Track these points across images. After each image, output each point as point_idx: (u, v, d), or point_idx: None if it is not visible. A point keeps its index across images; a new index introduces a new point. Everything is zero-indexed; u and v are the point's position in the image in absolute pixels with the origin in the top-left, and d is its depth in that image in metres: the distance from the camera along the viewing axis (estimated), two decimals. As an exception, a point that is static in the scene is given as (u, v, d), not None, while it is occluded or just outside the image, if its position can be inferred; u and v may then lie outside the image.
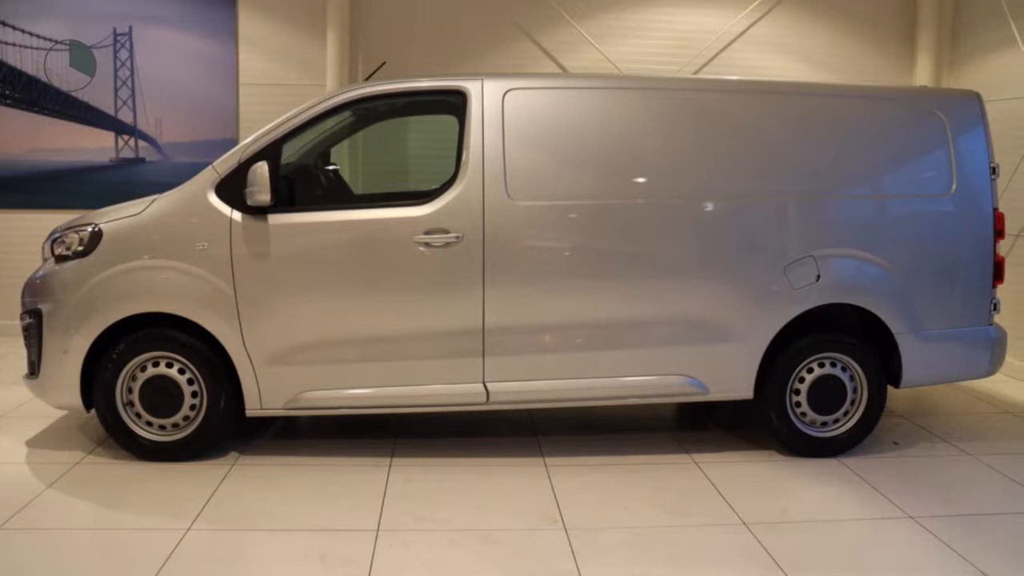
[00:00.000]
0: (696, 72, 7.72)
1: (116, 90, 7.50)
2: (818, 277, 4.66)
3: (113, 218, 4.58)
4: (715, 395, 4.72)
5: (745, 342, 4.66)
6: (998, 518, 4.03)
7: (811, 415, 4.79)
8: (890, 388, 4.89)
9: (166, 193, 4.60)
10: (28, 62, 7.42)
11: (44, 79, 7.42)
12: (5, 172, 7.52)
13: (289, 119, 4.54)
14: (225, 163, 4.52)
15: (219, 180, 4.49)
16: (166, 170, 7.46)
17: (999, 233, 4.86)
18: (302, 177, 4.86)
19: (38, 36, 7.39)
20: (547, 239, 4.55)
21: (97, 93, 7.50)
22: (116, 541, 3.70)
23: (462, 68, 7.44)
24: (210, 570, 3.44)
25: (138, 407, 4.56)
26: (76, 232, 4.59)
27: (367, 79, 5.25)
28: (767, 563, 3.54)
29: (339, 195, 5.41)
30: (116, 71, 7.48)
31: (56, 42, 7.40)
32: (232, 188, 4.45)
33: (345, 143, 6.24)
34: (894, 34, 7.88)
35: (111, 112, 7.53)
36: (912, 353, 4.78)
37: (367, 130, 5.72)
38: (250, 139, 4.54)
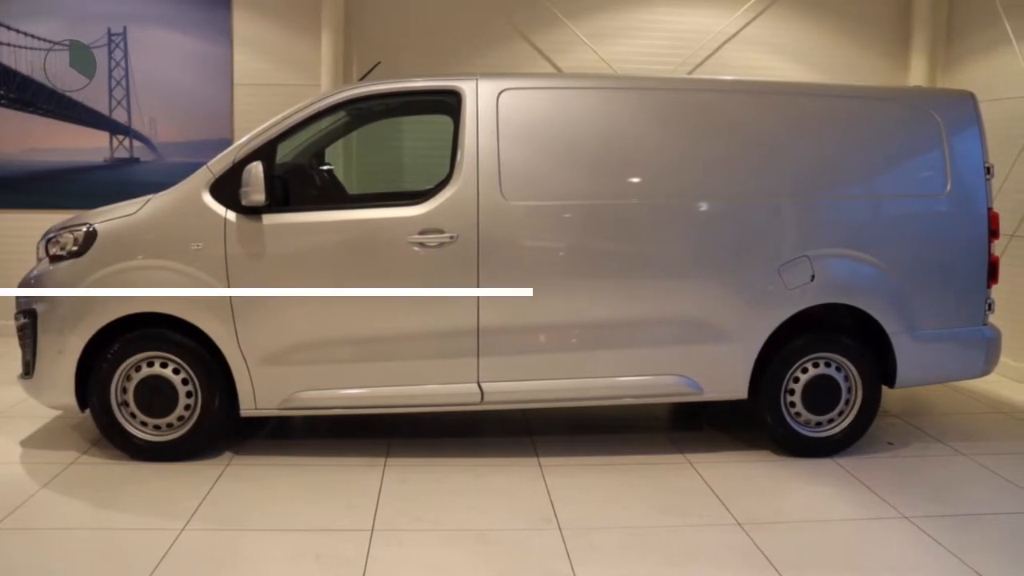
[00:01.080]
0: (690, 72, 7.71)
1: (111, 90, 7.49)
2: (813, 277, 4.66)
3: (108, 218, 4.57)
4: (710, 395, 4.73)
5: (740, 342, 4.66)
6: (992, 518, 4.04)
7: (806, 415, 4.80)
8: (885, 388, 4.90)
9: (161, 193, 4.59)
10: (23, 62, 7.40)
11: (39, 79, 7.40)
12: (1, 172, 7.51)
13: (284, 119, 4.54)
14: (220, 163, 4.51)
15: (214, 180, 4.48)
16: (161, 170, 7.44)
17: (994, 233, 4.87)
18: (297, 177, 4.86)
19: (33, 36, 7.37)
20: (542, 239, 4.55)
21: (92, 93, 7.48)
22: (111, 541, 3.69)
23: (457, 68, 7.43)
24: (205, 570, 3.44)
25: (133, 407, 4.56)
26: (71, 232, 4.58)
27: (362, 79, 5.25)
28: (762, 563, 3.54)
29: (334, 195, 5.42)
30: (111, 71, 7.47)
31: (55, 43, 7.38)
32: (227, 188, 4.44)
33: (340, 143, 6.23)
34: (888, 34, 7.89)
35: (106, 112, 7.51)
36: (907, 353, 4.78)
37: (362, 130, 5.72)
38: (245, 139, 4.53)
